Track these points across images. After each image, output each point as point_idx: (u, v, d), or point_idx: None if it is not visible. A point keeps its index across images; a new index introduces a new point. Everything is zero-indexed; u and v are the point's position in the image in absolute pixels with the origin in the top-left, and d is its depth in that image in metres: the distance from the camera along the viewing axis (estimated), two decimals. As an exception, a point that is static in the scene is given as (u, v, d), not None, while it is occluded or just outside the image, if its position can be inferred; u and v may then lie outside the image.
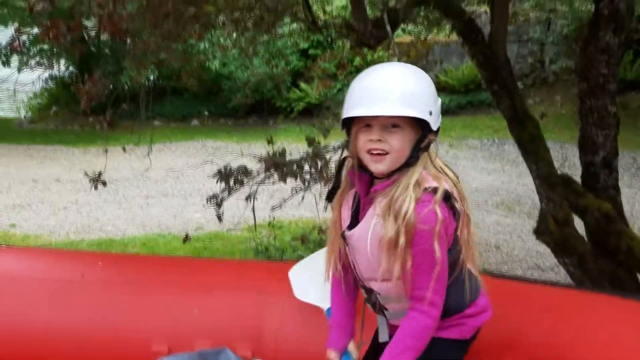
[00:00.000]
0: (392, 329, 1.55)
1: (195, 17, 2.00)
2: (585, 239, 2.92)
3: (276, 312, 1.89)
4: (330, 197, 1.56)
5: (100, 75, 1.92)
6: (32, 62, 8.76)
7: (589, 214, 2.84)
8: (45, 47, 10.53)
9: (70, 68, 12.40)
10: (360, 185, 1.47)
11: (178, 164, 9.41)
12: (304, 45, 10.58)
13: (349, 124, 1.44)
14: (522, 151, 2.96)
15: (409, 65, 1.48)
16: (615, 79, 2.79)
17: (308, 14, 3.66)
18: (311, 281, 1.88)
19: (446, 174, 1.43)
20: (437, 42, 10.82)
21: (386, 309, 1.56)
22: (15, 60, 10.47)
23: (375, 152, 1.36)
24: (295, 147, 10.20)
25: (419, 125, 1.37)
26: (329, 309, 1.76)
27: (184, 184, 8.03)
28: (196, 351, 1.80)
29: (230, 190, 1.99)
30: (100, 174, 2.21)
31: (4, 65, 10.65)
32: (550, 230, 2.73)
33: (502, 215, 6.32)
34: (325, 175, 1.80)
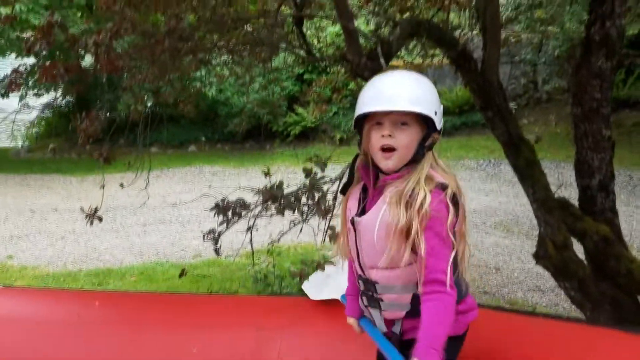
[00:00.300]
0: (387, 323, 1.64)
1: (192, 52, 2.03)
2: (585, 262, 2.91)
3: (275, 348, 1.87)
4: (344, 191, 1.70)
5: (97, 111, 1.93)
6: (30, 93, 8.80)
7: (588, 237, 2.84)
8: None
9: (68, 97, 12.46)
10: (367, 179, 1.60)
11: (175, 190, 9.43)
12: (299, 70, 10.69)
13: (361, 123, 1.58)
14: (518, 175, 2.97)
15: (415, 72, 1.61)
16: (609, 103, 2.82)
17: (302, 42, 3.71)
18: (323, 283, 2.05)
19: (448, 172, 1.55)
20: (430, 65, 10.94)
21: (382, 300, 1.61)
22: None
23: (385, 146, 1.50)
24: (292, 171, 10.26)
25: (425, 125, 1.52)
26: (343, 296, 1.91)
27: (181, 211, 8.00)
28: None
29: (228, 224, 1.99)
30: (96, 209, 2.20)
31: (3, 97, 10.70)
32: (550, 254, 2.72)
33: (500, 236, 6.31)
34: (322, 207, 1.80)
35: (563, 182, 3.97)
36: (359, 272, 1.65)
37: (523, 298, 4.74)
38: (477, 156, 9.68)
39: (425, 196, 1.43)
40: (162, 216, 7.82)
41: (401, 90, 1.49)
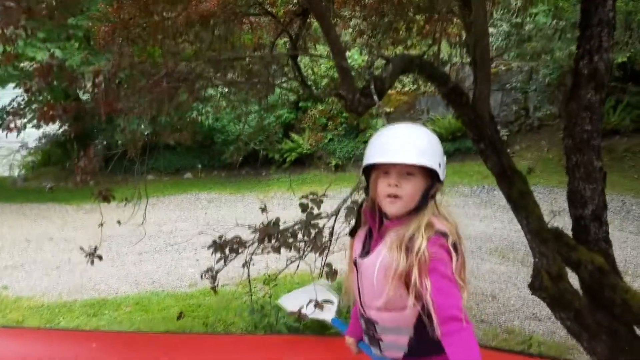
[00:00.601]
0: None
1: (190, 91, 2.07)
2: (580, 292, 2.92)
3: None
4: (352, 234, 1.77)
5: (95, 147, 1.95)
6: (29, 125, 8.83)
7: (582, 267, 2.86)
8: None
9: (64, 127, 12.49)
10: (373, 223, 1.68)
11: (172, 217, 9.42)
12: (293, 97, 10.82)
13: (369, 171, 1.67)
14: (511, 206, 3.00)
15: (420, 125, 1.72)
16: (599, 134, 2.86)
17: (297, 74, 3.77)
18: (298, 298, 2.24)
19: (450, 221, 1.62)
20: (424, 92, 11.09)
21: (381, 340, 1.67)
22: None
23: (392, 195, 1.58)
24: (288, 197, 10.24)
25: (429, 176, 1.59)
26: (334, 319, 2.06)
27: (177, 238, 7.99)
28: None
29: (225, 260, 2.00)
30: (96, 248, 2.21)
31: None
32: (545, 285, 2.74)
33: (496, 263, 6.32)
34: (319, 244, 1.82)
35: (556, 210, 3.99)
36: (361, 311, 1.72)
37: (520, 326, 4.72)
38: (471, 182, 9.73)
39: (422, 241, 1.49)
40: (157, 244, 7.80)
41: (408, 143, 1.57)
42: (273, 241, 1.86)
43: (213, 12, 3.65)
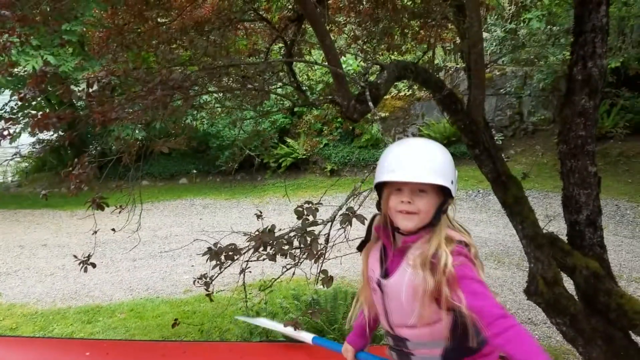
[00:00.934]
0: None
1: (185, 99, 2.06)
2: (576, 297, 2.93)
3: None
4: (360, 248, 1.77)
5: (89, 154, 1.94)
6: (20, 131, 8.82)
7: (578, 273, 2.86)
8: (33, 111, 10.65)
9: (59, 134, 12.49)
10: (386, 240, 1.68)
11: (166, 223, 9.40)
12: (288, 103, 10.83)
13: (381, 186, 1.66)
14: (507, 211, 3.00)
15: (433, 142, 1.68)
16: (594, 140, 2.86)
17: (293, 80, 3.78)
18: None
19: (464, 231, 1.64)
20: (419, 98, 11.11)
21: (413, 354, 1.68)
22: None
23: (405, 211, 1.58)
24: (284, 202, 10.21)
25: (442, 192, 1.60)
26: (314, 337, 2.03)
27: (171, 244, 7.97)
28: None
29: (220, 268, 1.99)
30: (89, 256, 2.20)
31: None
32: (541, 290, 2.74)
33: (492, 267, 6.32)
34: (314, 251, 1.81)
35: (551, 214, 4.01)
36: (387, 329, 1.72)
37: None
38: (466, 186, 9.76)
39: (446, 257, 1.50)
40: (152, 250, 7.78)
41: (422, 161, 1.57)
42: (269, 249, 1.85)
43: (207, 18, 3.65)
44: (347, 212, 1.78)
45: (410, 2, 4.00)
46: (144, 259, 7.45)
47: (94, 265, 2.19)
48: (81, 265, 2.14)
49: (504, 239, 7.20)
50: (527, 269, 2.90)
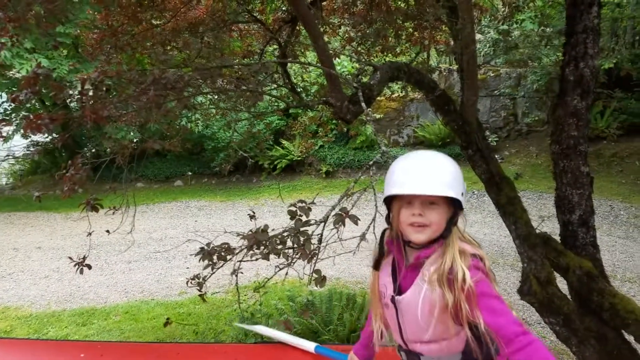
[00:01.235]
0: None
1: (178, 99, 2.06)
2: (569, 297, 2.94)
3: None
4: (377, 266, 1.74)
5: (82, 155, 1.94)
6: (14, 132, 8.81)
7: (571, 272, 2.87)
8: (26, 113, 10.62)
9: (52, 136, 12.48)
10: (398, 254, 1.67)
11: (161, 225, 9.38)
12: (282, 105, 10.84)
13: (390, 200, 1.66)
14: (500, 212, 3.01)
15: (441, 153, 1.68)
16: (586, 140, 2.88)
17: (287, 82, 3.78)
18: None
19: (475, 243, 1.64)
20: (412, 99, 11.14)
21: None
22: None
23: (416, 224, 1.58)
24: (279, 204, 10.20)
25: (452, 204, 1.60)
26: (317, 347, 2.02)
27: (166, 247, 7.96)
28: None
29: (213, 267, 1.99)
30: (84, 258, 2.19)
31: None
32: (534, 290, 2.75)
33: (486, 268, 6.33)
34: (307, 251, 1.81)
35: (545, 215, 4.03)
36: (400, 343, 1.71)
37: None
38: (461, 188, 9.76)
39: (464, 273, 1.50)
40: (147, 252, 7.76)
41: (432, 174, 1.56)
42: (262, 248, 1.85)
43: (201, 19, 3.65)
44: (340, 213, 1.78)
45: (404, 4, 4.02)
46: (138, 261, 7.43)
47: (89, 267, 2.19)
48: (77, 267, 2.13)
49: (499, 240, 7.23)
50: (521, 278, 2.91)
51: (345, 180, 11.13)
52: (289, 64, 3.85)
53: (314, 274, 1.86)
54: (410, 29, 4.23)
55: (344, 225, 1.81)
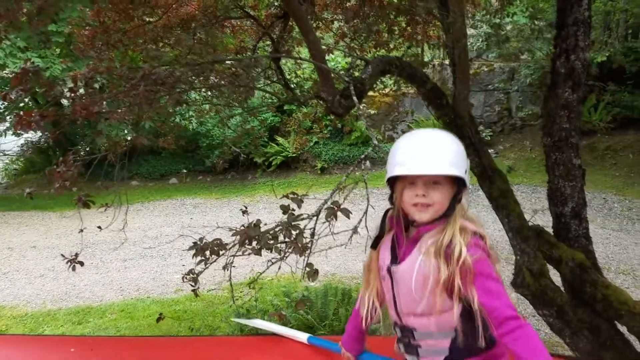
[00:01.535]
0: None
1: (169, 94, 2.06)
2: (562, 289, 2.95)
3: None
4: (375, 245, 1.72)
5: (74, 153, 1.93)
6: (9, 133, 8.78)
7: (564, 264, 2.88)
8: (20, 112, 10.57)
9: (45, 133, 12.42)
10: (399, 229, 1.66)
11: (156, 223, 9.36)
12: (275, 101, 10.82)
13: (393, 180, 1.65)
14: (493, 205, 3.02)
15: (443, 131, 1.66)
16: (578, 132, 2.89)
17: (280, 77, 3.78)
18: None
19: (478, 222, 1.62)
20: (406, 94, 11.15)
21: (419, 347, 1.65)
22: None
23: (420, 204, 1.57)
24: (274, 201, 10.23)
25: (456, 182, 1.58)
26: (310, 337, 2.01)
27: (162, 244, 7.95)
28: None
29: (206, 263, 1.99)
30: (77, 255, 2.19)
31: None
32: (527, 282, 2.76)
33: (481, 262, 6.35)
34: (300, 245, 1.82)
35: (539, 208, 4.04)
36: (395, 319, 1.69)
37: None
38: (456, 182, 9.79)
39: (461, 248, 1.49)
40: (142, 250, 7.75)
41: (434, 153, 1.54)
42: (254, 243, 1.85)
43: (193, 15, 3.64)
44: (332, 206, 1.79)
45: (397, -1, 4.02)
46: (134, 259, 7.42)
47: (81, 264, 2.19)
48: (69, 264, 2.13)
49: (493, 234, 7.23)
50: (514, 270, 2.92)
51: (341, 176, 11.14)
52: (282, 61, 3.84)
53: (306, 268, 1.87)
54: (403, 24, 4.23)
55: (336, 219, 1.82)
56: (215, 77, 2.77)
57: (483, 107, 11.17)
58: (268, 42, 4.34)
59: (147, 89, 1.73)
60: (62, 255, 2.18)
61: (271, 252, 1.81)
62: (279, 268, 2.06)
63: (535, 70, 10.11)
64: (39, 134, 12.07)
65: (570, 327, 2.89)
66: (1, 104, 10.17)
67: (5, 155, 12.03)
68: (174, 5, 3.72)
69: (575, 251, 2.91)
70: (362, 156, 2.03)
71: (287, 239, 1.88)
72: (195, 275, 2.04)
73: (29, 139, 12.22)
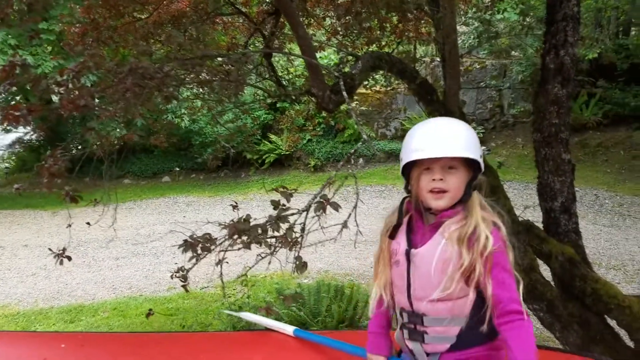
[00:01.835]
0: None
1: (158, 89, 2.05)
2: (552, 283, 2.97)
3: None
4: (393, 235, 1.69)
5: (64, 147, 1.93)
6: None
7: (554, 259, 2.91)
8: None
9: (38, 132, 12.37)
10: (417, 215, 1.66)
11: (149, 221, 9.33)
12: (269, 100, 10.81)
13: (409, 168, 1.64)
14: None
15: (455, 119, 1.70)
16: (567, 127, 2.91)
17: (272, 74, 3.78)
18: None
19: (494, 212, 1.62)
20: (399, 91, 11.17)
21: (426, 333, 1.64)
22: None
23: (436, 190, 1.57)
24: (267, 199, 10.24)
25: (471, 167, 1.59)
26: (295, 330, 1.98)
27: (154, 242, 7.93)
28: None
29: (197, 259, 1.99)
30: (64, 249, 2.18)
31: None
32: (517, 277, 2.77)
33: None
34: (289, 239, 1.82)
35: (530, 204, 4.05)
36: (404, 304, 1.67)
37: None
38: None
39: (487, 238, 1.50)
40: (134, 248, 7.72)
41: (449, 137, 1.56)
42: (244, 237, 1.85)
43: (184, 12, 3.63)
44: (321, 200, 1.79)
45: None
46: (126, 257, 7.40)
47: (69, 259, 2.18)
48: (57, 258, 2.12)
49: (485, 230, 7.26)
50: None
51: (336, 175, 11.13)
52: (275, 58, 3.85)
53: (295, 261, 1.87)
54: (395, 21, 4.24)
55: (325, 213, 1.82)
56: (207, 73, 2.76)
57: (475, 104, 11.20)
58: (260, 39, 4.33)
59: (135, 82, 1.72)
60: (50, 249, 2.17)
61: (260, 246, 1.81)
62: (269, 263, 2.06)
63: (527, 67, 10.15)
64: (30, 130, 11.99)
65: (561, 321, 2.91)
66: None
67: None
68: (164, 2, 3.71)
69: (565, 246, 2.93)
70: (352, 151, 2.03)
71: (276, 233, 1.87)
72: (184, 272, 2.03)
73: (20, 137, 12.16)
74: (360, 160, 11.14)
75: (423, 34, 4.44)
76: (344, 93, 2.09)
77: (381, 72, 2.85)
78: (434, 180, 1.57)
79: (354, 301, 4.33)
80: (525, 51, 8.93)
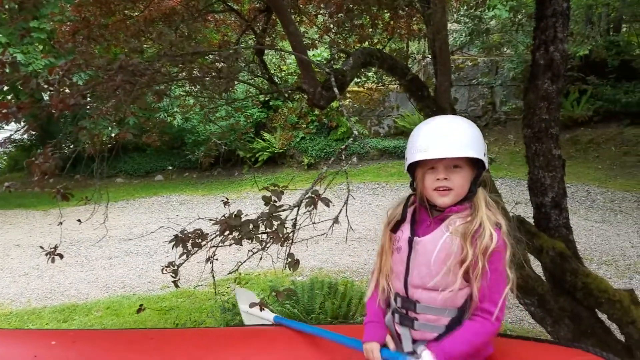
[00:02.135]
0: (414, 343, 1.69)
1: (148, 86, 2.05)
2: (543, 278, 2.99)
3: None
4: (395, 229, 1.74)
5: (55, 145, 1.92)
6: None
7: (545, 254, 2.92)
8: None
9: (30, 131, 12.27)
10: (424, 210, 1.70)
11: (142, 220, 9.31)
12: (262, 98, 10.80)
13: (414, 167, 1.69)
14: (475, 196, 3.05)
15: (459, 117, 1.71)
16: (557, 123, 2.93)
17: (264, 71, 3.77)
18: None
19: (497, 209, 1.66)
20: (392, 89, 11.17)
21: (416, 319, 1.68)
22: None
23: (442, 188, 1.61)
24: (261, 196, 10.24)
25: (475, 165, 1.63)
26: (275, 316, 2.06)
27: (147, 241, 7.91)
28: None
29: (188, 255, 1.99)
30: (56, 247, 2.18)
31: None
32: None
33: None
34: (281, 235, 1.82)
35: (521, 200, 4.08)
36: (399, 290, 1.71)
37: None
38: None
39: (491, 237, 1.53)
40: (128, 247, 7.70)
41: (453, 136, 1.59)
42: (235, 233, 1.86)
43: (175, 9, 3.62)
44: (312, 196, 1.80)
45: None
46: (119, 256, 7.38)
47: (61, 256, 2.17)
48: (48, 256, 2.12)
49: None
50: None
51: (327, 171, 11.14)
52: (266, 55, 3.84)
53: (287, 258, 1.87)
54: (387, 18, 4.25)
55: (316, 208, 1.83)
56: (199, 70, 2.76)
57: (467, 101, 11.24)
58: (252, 36, 4.33)
59: (125, 79, 1.72)
60: (41, 247, 2.16)
61: (252, 241, 1.82)
62: (261, 259, 2.06)
63: (518, 65, 10.20)
64: (22, 129, 11.90)
65: (552, 315, 2.93)
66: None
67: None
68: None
69: (555, 240, 2.94)
70: (343, 147, 2.04)
71: (267, 229, 1.88)
72: (175, 267, 2.03)
73: (10, 135, 12.06)
74: (354, 158, 11.15)
75: (414, 31, 4.45)
76: (335, 89, 2.09)
77: (373, 69, 2.86)
78: (438, 179, 1.61)
79: (347, 298, 4.34)
80: (516, 48, 8.96)
